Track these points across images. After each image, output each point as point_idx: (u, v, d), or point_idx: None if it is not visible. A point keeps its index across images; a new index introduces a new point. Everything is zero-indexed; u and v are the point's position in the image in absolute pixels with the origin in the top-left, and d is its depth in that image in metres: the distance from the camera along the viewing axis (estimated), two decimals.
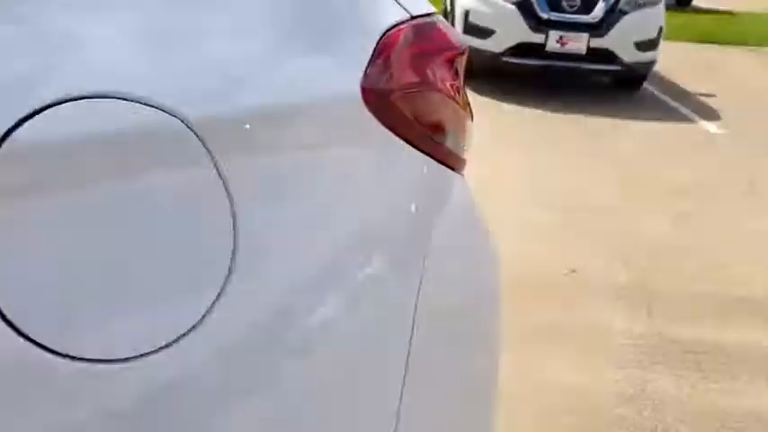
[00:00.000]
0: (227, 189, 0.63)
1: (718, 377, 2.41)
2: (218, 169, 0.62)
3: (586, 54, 6.08)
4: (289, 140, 0.72)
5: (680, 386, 2.35)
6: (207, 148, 0.62)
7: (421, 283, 0.82)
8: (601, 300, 2.87)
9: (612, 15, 6.07)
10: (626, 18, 6.08)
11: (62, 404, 0.55)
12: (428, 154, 0.86)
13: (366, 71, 0.78)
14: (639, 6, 6.18)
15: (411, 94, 0.84)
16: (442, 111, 0.90)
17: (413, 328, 0.81)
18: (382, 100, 0.79)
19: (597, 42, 6.04)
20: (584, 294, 2.90)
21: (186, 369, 0.60)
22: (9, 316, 0.52)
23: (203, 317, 0.61)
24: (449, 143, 0.91)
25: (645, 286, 2.96)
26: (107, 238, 0.57)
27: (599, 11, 6.07)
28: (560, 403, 2.19)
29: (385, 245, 0.80)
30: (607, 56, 6.09)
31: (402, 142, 0.82)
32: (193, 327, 0.60)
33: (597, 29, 6.05)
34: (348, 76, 0.77)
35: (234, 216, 0.63)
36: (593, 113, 5.74)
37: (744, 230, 3.63)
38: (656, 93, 6.64)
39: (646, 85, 6.67)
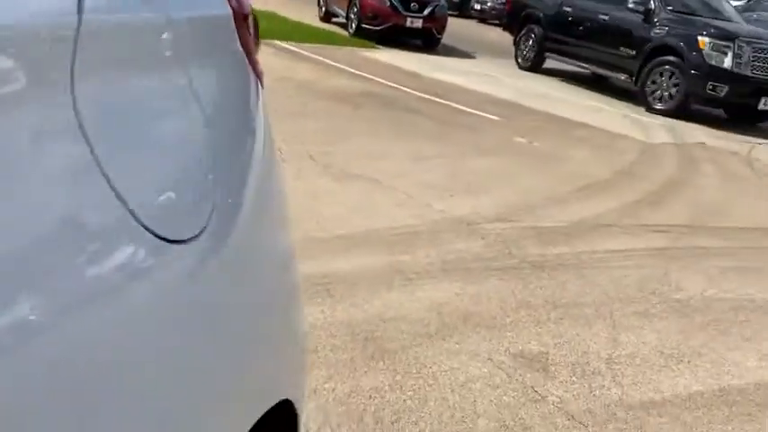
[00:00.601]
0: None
1: (346, 298, 2.93)
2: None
3: None
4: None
5: (322, 310, 2.79)
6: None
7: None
8: None
9: None
10: None
11: (161, 271, 0.60)
12: (254, 69, 1.05)
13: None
14: None
15: (248, 20, 1.02)
16: (254, 37, 1.09)
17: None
18: (240, 21, 0.97)
19: None
20: None
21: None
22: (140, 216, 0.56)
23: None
24: (259, 64, 1.10)
25: None
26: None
27: None
28: None
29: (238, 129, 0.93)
30: None
31: (245, 57, 0.99)
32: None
33: None
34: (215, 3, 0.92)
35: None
36: None
37: (313, 188, 4.30)
38: None
39: None
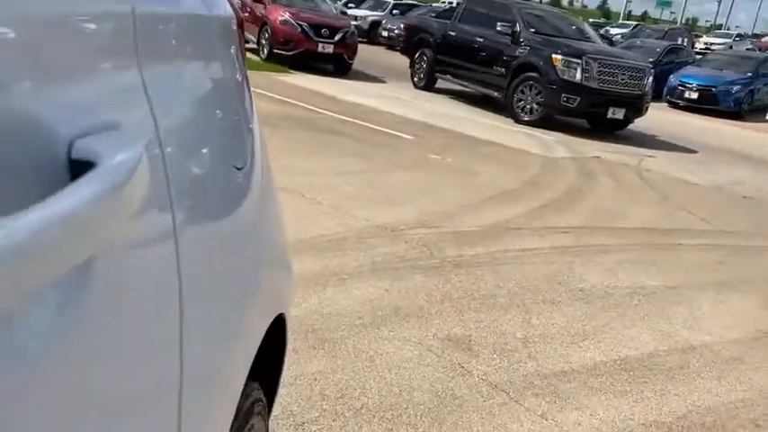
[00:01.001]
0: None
1: (307, 297, 3.15)
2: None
3: None
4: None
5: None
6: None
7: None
8: None
9: None
10: None
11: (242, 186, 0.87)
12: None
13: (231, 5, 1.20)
14: None
15: (243, 25, 1.28)
16: (242, 41, 1.35)
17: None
18: (238, 23, 1.22)
19: None
20: None
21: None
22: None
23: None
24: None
25: None
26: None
27: None
28: None
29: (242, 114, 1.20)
30: None
31: (239, 55, 1.25)
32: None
33: None
34: (224, 6, 1.18)
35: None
36: None
37: None
38: None
39: None
